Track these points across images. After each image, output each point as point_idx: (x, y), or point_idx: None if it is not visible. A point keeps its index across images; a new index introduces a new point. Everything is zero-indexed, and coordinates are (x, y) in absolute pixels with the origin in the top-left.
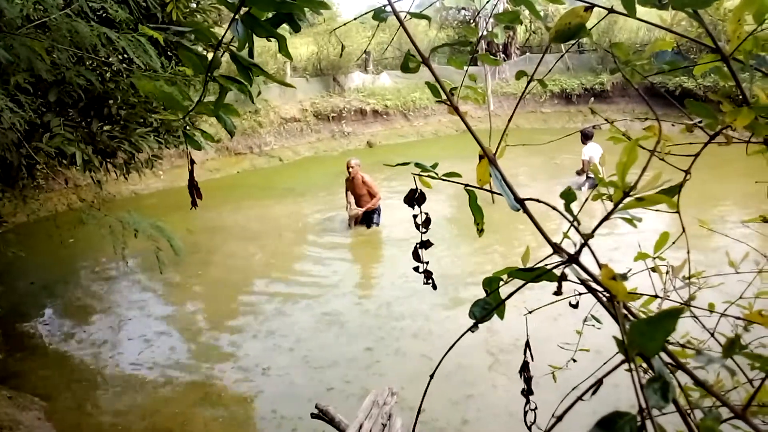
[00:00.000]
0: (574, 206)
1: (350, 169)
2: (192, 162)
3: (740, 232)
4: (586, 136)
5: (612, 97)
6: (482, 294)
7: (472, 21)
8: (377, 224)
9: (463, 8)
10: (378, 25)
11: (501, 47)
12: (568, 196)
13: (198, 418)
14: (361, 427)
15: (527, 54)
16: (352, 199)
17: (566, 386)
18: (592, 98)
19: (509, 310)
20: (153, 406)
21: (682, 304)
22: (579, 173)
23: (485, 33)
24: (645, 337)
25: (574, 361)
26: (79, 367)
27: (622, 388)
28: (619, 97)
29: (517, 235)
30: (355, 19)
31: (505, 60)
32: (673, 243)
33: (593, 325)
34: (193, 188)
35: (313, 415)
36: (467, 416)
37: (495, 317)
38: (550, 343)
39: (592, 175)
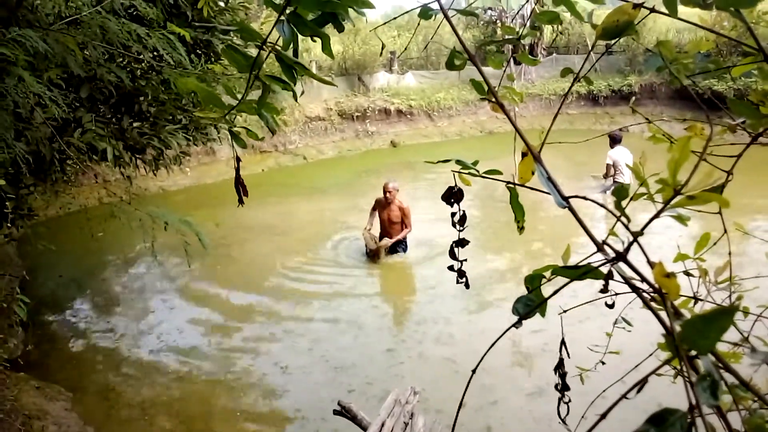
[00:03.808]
0: (602, 210)
1: (387, 194)
2: (238, 160)
3: None
4: (613, 140)
5: (640, 99)
6: (504, 298)
7: (498, 21)
8: (405, 251)
9: (490, 8)
10: (419, 24)
11: (527, 48)
12: (620, 192)
13: (221, 413)
14: (383, 425)
15: (554, 55)
16: (376, 222)
17: (589, 388)
18: (633, 98)
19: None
20: (177, 398)
21: (729, 305)
22: (604, 177)
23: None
24: (700, 335)
25: (603, 363)
26: (105, 359)
27: (645, 388)
28: (647, 99)
29: (538, 237)
30: (386, 23)
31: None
32: (715, 244)
33: (623, 328)
34: (240, 186)
35: (335, 412)
36: (491, 422)
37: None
38: (576, 345)
39: (618, 179)
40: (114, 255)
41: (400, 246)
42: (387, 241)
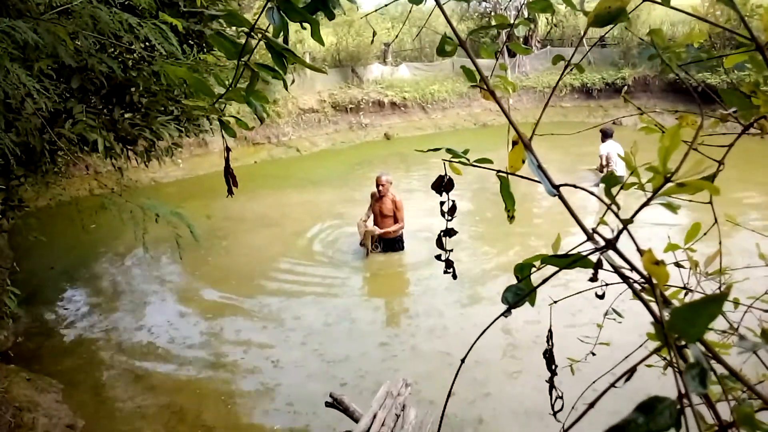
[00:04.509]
0: (596, 203)
1: (380, 187)
2: (228, 150)
3: (763, 225)
4: (605, 134)
5: (633, 91)
6: (497, 291)
7: (492, 12)
8: (402, 249)
9: (484, 0)
10: (411, 10)
11: (521, 40)
12: (609, 180)
13: (212, 406)
14: (375, 416)
15: (548, 47)
16: (370, 216)
17: (580, 379)
18: (626, 87)
19: (526, 307)
20: (168, 391)
21: (718, 293)
22: (600, 170)
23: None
24: (687, 323)
25: (593, 354)
26: (97, 351)
27: (636, 379)
28: (641, 92)
29: (531, 229)
30: (377, 10)
31: None
32: (705, 234)
33: (614, 319)
34: (230, 176)
35: (327, 404)
36: (483, 415)
37: (495, 321)
38: (568, 337)
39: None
40: (105, 247)
41: (397, 245)
42: (375, 229)
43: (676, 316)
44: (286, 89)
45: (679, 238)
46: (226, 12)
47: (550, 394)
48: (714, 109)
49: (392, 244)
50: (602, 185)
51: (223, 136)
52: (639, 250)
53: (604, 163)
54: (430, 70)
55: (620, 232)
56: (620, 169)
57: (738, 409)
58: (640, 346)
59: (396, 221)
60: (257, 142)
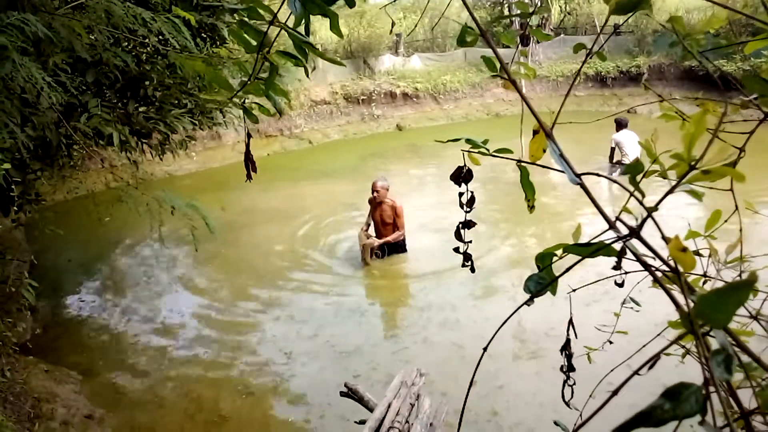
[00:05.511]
0: (606, 193)
1: (375, 193)
2: (249, 136)
3: None
4: (619, 125)
5: (648, 80)
6: (510, 284)
7: (505, 1)
8: (405, 251)
9: None
10: (428, 3)
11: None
12: (635, 168)
13: (228, 396)
14: (389, 406)
15: (561, 36)
16: (371, 223)
17: (594, 371)
18: (645, 75)
19: (539, 299)
20: (186, 381)
21: (747, 278)
22: (609, 160)
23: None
24: (714, 309)
25: (611, 343)
26: (114, 342)
27: (652, 372)
28: (656, 80)
29: (545, 224)
30: (393, 2)
31: (537, 42)
32: (726, 221)
33: (631, 308)
34: (249, 161)
35: (342, 393)
36: (497, 407)
37: (518, 310)
38: (582, 328)
39: (625, 161)
40: (121, 239)
41: (399, 248)
42: (373, 241)
43: (703, 303)
44: (308, 76)
45: (694, 227)
46: (248, 4)
47: (564, 386)
48: (731, 96)
49: (395, 247)
50: (618, 172)
51: (244, 121)
52: (664, 237)
53: (619, 156)
54: (441, 60)
55: (644, 220)
56: (634, 158)
57: (762, 393)
58: (658, 335)
59: (396, 228)
60: (270, 134)
